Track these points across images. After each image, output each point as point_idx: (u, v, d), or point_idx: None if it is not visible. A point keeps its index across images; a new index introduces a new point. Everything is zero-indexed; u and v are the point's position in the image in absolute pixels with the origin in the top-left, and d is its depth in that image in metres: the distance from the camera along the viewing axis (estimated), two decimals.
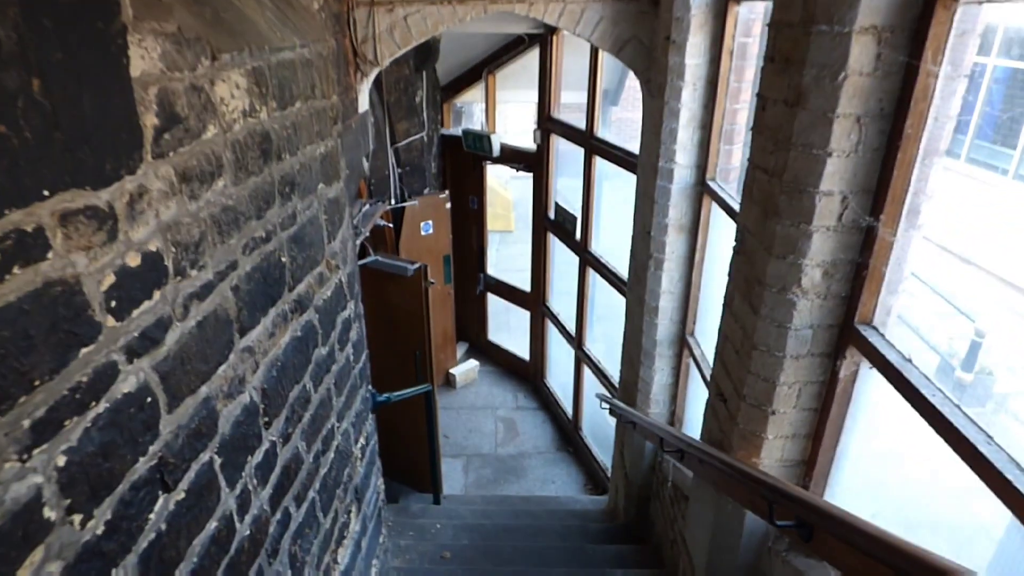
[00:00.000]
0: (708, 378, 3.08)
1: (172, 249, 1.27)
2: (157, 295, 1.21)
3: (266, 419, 1.73)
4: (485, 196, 6.47)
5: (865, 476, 1.83)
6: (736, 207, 2.76)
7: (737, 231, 2.02)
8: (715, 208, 3.03)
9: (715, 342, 2.23)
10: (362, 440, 2.72)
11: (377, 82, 4.80)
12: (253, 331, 1.66)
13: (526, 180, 5.97)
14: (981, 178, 6.66)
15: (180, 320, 1.30)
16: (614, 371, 4.90)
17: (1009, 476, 1.17)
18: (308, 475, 2.05)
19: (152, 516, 1.17)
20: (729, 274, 2.08)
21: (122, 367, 1.09)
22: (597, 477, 5.28)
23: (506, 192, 11.34)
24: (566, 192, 6.13)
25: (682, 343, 3.43)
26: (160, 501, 1.20)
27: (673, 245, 3.25)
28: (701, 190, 3.11)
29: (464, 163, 6.30)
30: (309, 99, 2.05)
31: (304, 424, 2.02)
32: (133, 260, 1.12)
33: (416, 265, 4.31)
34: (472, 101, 6.77)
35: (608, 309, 5.79)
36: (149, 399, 1.17)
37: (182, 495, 1.28)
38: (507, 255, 10.12)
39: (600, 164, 4.69)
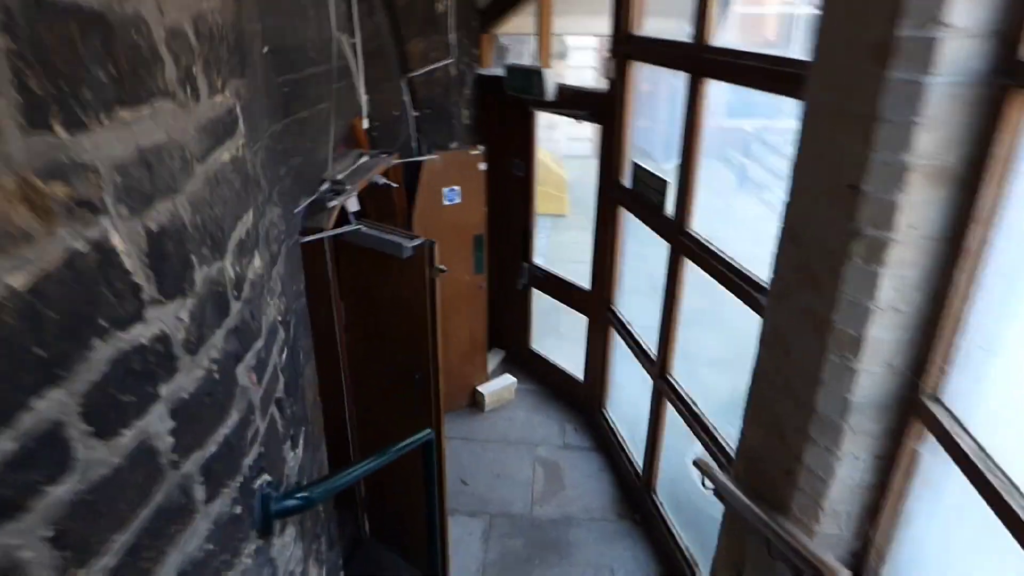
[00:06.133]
0: (988, 489, 1.40)
1: None
2: None
3: None
4: (534, 158, 4.83)
5: None
6: None
7: None
8: None
9: None
10: None
11: None
12: None
13: (585, 160, 4.31)
14: None
15: None
16: (715, 412, 3.22)
17: None
18: None
19: None
20: None
21: None
22: (674, 562, 3.62)
23: (560, 170, 9.62)
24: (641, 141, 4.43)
25: (908, 410, 1.72)
26: None
27: (917, 209, 1.55)
28: (1003, 89, 1.40)
29: (507, 114, 4.67)
30: None
31: None
32: None
33: (417, 241, 2.73)
34: (520, 34, 5.12)
35: (693, 313, 4.04)
36: None
37: None
38: (558, 243, 8.43)
39: (715, 93, 2.98)
